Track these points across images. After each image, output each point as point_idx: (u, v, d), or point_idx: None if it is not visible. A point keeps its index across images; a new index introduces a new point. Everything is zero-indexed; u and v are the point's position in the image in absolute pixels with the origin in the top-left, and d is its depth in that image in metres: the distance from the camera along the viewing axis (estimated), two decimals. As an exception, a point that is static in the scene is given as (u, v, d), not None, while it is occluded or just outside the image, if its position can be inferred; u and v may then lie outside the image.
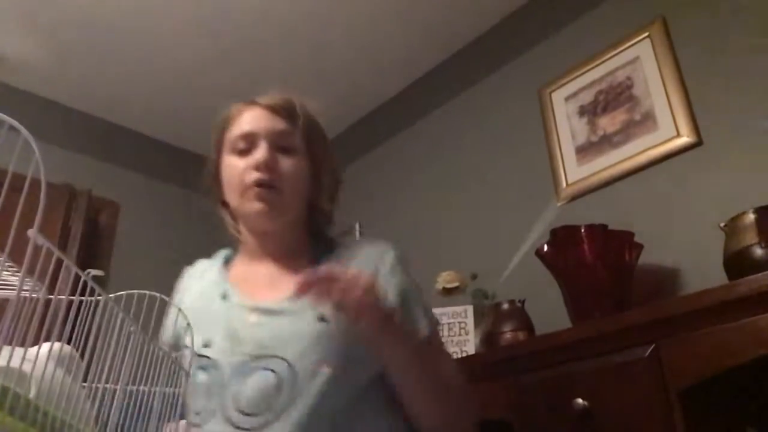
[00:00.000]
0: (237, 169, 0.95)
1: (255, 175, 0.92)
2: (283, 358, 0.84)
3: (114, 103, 2.76)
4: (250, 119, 0.98)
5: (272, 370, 0.83)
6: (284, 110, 0.98)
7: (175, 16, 2.29)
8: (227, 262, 1.07)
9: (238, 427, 0.81)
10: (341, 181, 1.05)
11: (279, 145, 0.96)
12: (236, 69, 2.57)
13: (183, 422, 0.82)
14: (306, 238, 1.02)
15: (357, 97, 2.76)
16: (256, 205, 0.93)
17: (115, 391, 0.68)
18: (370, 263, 0.94)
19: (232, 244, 1.08)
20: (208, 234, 3.33)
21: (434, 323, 0.96)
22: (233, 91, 2.83)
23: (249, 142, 0.96)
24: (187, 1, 2.22)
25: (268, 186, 0.92)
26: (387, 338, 0.82)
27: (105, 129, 2.86)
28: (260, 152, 0.93)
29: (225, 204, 1.03)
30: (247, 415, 0.81)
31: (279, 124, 0.97)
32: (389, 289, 0.91)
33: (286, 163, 0.95)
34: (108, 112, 2.83)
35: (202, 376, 0.87)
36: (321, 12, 2.29)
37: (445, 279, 1.74)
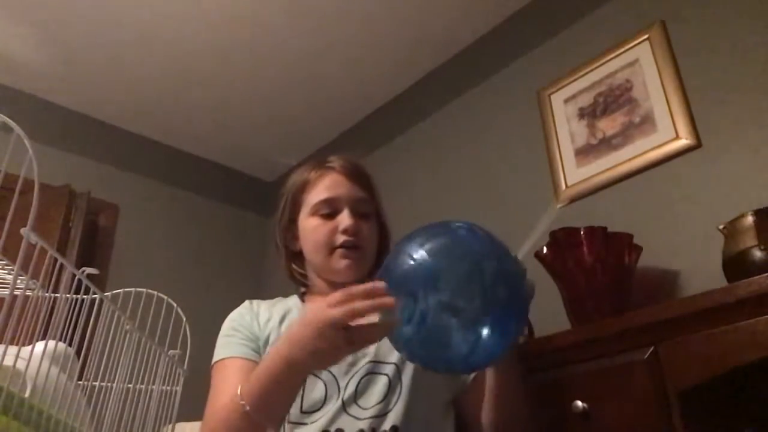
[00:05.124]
0: (322, 232, 1.08)
1: (342, 238, 1.06)
2: (394, 363, 0.99)
3: (113, 105, 2.77)
4: (330, 185, 1.10)
5: (386, 374, 0.98)
6: (358, 177, 1.12)
7: (171, 16, 2.30)
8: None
9: (356, 417, 0.94)
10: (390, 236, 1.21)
11: (358, 211, 1.09)
12: (232, 71, 2.58)
13: None
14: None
15: (355, 100, 2.76)
16: (343, 263, 1.06)
17: (111, 389, 0.68)
18: None
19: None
20: (206, 236, 3.35)
21: None
22: (231, 93, 2.86)
23: (332, 207, 1.08)
24: (186, 3, 2.23)
25: (353, 247, 1.07)
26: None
27: (104, 131, 2.87)
28: (346, 219, 1.07)
29: (293, 254, 1.16)
30: (366, 408, 0.95)
31: (358, 192, 1.10)
32: None
33: (365, 226, 1.09)
34: (107, 114, 2.83)
35: (311, 377, 0.98)
36: (320, 14, 2.29)
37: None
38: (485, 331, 0.69)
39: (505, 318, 0.72)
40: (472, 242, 0.76)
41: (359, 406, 0.95)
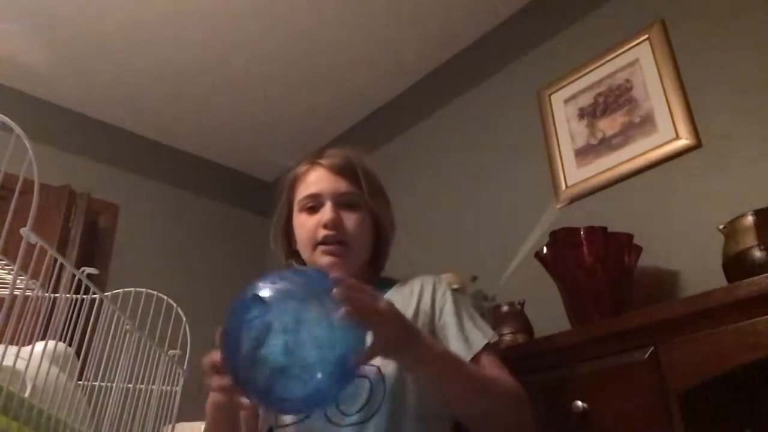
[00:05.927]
0: (307, 227, 1.06)
1: (323, 233, 1.04)
2: (375, 366, 0.94)
3: (113, 105, 2.77)
4: (315, 180, 1.08)
5: (367, 377, 0.94)
6: (346, 171, 1.09)
7: (171, 17, 2.30)
8: None
9: (338, 424, 0.91)
10: (395, 227, 1.18)
11: (343, 204, 1.07)
12: (232, 71, 2.58)
13: None
14: (371, 277, 1.12)
15: (356, 100, 2.76)
16: (326, 260, 1.03)
17: (111, 389, 0.68)
18: (426, 287, 1.07)
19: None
20: (206, 236, 3.34)
21: (489, 337, 1.01)
22: (231, 93, 2.85)
23: (316, 202, 1.07)
24: (186, 4, 2.23)
25: (335, 242, 1.04)
26: (410, 351, 0.82)
27: (104, 131, 2.87)
28: (326, 212, 1.05)
29: (292, 251, 1.14)
30: (349, 415, 0.91)
31: (342, 185, 1.07)
32: (444, 308, 1.03)
33: (350, 219, 1.06)
34: (107, 114, 2.83)
35: None
36: (321, 14, 2.29)
37: (446, 280, 1.73)
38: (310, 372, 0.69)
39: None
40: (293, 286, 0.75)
41: (341, 412, 0.92)
